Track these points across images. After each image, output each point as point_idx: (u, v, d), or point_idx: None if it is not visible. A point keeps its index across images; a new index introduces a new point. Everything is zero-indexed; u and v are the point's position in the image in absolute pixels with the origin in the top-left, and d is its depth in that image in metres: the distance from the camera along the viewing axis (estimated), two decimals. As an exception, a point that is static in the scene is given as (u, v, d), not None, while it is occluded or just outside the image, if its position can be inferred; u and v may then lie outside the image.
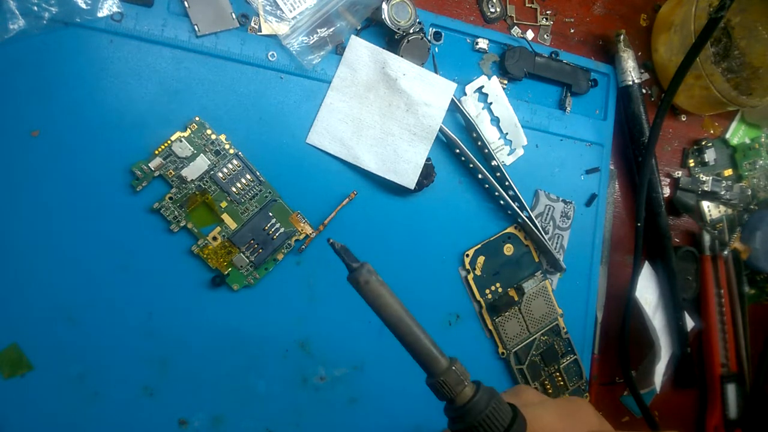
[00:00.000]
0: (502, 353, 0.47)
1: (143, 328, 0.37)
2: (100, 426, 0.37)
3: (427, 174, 0.42)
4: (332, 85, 0.41)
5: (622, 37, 0.51)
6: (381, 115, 0.41)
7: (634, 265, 0.52)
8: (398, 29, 0.40)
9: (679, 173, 0.58)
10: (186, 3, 0.37)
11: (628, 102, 0.52)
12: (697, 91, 0.52)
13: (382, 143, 0.41)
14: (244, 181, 0.39)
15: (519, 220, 0.47)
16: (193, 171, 0.38)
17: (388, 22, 0.40)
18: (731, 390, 0.56)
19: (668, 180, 0.58)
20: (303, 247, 0.41)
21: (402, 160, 0.41)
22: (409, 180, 0.42)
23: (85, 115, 0.36)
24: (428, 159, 0.42)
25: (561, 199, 0.49)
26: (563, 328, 0.49)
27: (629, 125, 0.53)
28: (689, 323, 0.55)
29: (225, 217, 0.39)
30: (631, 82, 0.51)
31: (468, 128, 0.45)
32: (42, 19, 0.34)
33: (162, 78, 0.37)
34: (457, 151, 0.44)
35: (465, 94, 0.45)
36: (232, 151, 0.39)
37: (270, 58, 0.40)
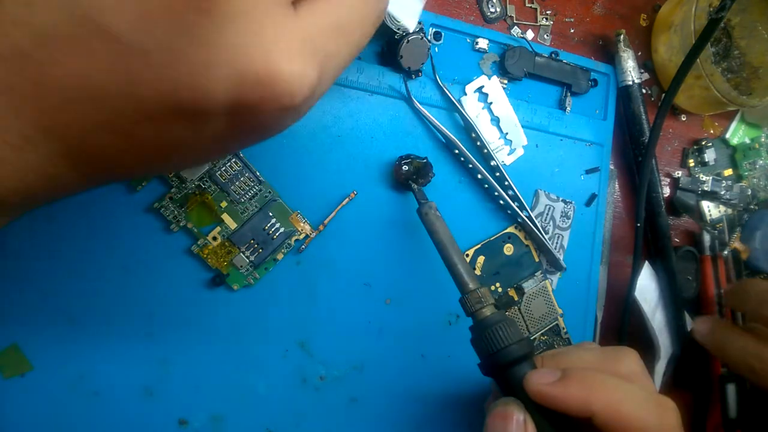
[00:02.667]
0: (502, 353, 0.47)
1: (143, 328, 0.37)
2: (100, 426, 0.36)
3: (425, 173, 0.42)
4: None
5: (622, 37, 0.51)
6: None
7: (634, 265, 0.52)
8: (398, 29, 0.40)
9: (679, 173, 0.58)
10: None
11: (628, 102, 0.52)
12: (697, 91, 0.52)
13: None
14: (243, 180, 0.39)
15: (519, 220, 0.47)
16: (192, 170, 0.38)
17: (388, 21, 0.40)
18: (731, 390, 0.56)
19: (668, 180, 0.58)
20: (303, 247, 0.41)
21: None
22: (410, 21, 0.38)
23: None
24: (425, 158, 0.42)
25: (561, 199, 0.49)
26: (563, 328, 0.49)
27: (629, 125, 0.53)
28: (689, 323, 0.55)
29: (225, 216, 0.39)
30: (631, 82, 0.51)
31: (467, 128, 0.45)
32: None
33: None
34: (456, 151, 0.44)
35: (465, 94, 0.45)
36: (232, 151, 0.39)
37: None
